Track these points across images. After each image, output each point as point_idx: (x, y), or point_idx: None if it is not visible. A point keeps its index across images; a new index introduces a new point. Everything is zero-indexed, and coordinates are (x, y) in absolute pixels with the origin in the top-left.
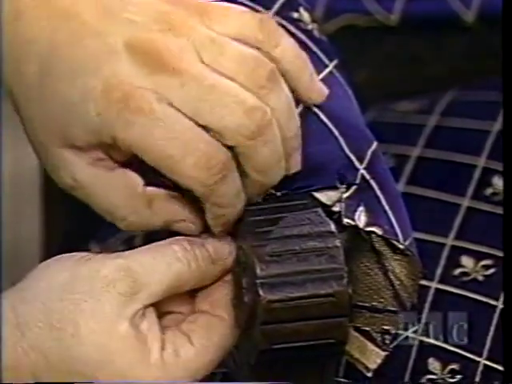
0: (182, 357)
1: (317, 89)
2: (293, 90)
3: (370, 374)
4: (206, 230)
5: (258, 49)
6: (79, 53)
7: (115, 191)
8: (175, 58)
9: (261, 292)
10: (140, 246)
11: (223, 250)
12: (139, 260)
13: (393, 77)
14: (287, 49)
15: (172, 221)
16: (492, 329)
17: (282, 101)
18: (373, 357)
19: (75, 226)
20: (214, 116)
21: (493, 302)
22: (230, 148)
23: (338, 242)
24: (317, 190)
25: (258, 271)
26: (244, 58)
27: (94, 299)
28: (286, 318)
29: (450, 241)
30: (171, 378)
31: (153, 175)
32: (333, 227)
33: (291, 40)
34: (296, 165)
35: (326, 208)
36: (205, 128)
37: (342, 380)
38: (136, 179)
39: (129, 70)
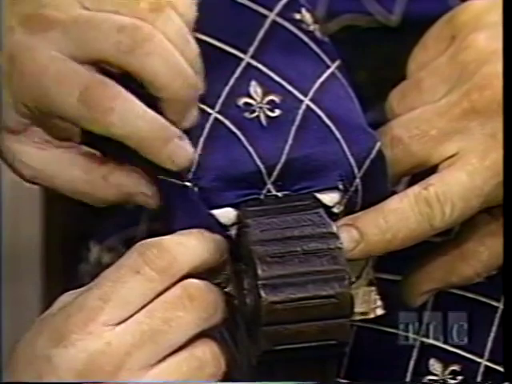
0: None
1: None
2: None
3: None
4: None
5: None
6: None
7: (70, 168)
8: (54, 12)
9: (262, 293)
10: None
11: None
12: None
13: (393, 77)
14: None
15: (129, 194)
16: (493, 330)
17: (170, 27)
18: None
19: (75, 225)
20: (93, 46)
21: (494, 303)
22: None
23: (339, 243)
24: (318, 191)
25: (260, 272)
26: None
27: None
28: (287, 319)
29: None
30: None
31: (107, 149)
32: (334, 228)
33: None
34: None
35: (328, 209)
36: (94, 64)
37: (343, 380)
38: (87, 154)
39: (22, 38)
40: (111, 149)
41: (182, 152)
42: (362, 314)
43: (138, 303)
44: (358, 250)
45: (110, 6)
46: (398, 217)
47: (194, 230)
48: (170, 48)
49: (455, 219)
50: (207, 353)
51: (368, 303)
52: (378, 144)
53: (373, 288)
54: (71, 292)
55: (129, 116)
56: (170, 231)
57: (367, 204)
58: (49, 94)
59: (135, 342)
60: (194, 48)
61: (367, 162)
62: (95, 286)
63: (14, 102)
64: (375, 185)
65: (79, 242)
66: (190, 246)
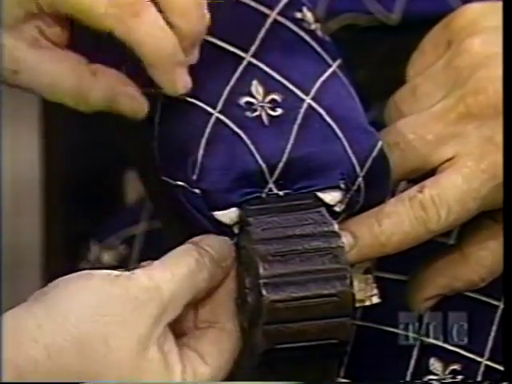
0: (198, 377)
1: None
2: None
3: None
4: (202, 232)
5: None
6: None
7: (60, 64)
8: None
9: (264, 292)
10: (140, 246)
11: (224, 251)
12: (164, 277)
13: (393, 76)
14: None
15: (117, 94)
16: (493, 329)
17: None
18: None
19: (75, 225)
20: None
21: (494, 302)
22: None
23: (341, 242)
24: (320, 190)
25: (261, 271)
26: None
27: (124, 321)
28: (288, 318)
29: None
30: None
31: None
32: (336, 227)
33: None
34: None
35: (330, 208)
36: None
37: (344, 380)
38: (76, 54)
39: None
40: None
41: (184, 80)
42: (359, 301)
43: None
44: (352, 254)
45: None
46: (392, 220)
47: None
48: None
49: (451, 222)
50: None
51: (364, 291)
52: (380, 143)
53: (369, 276)
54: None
55: (154, 26)
56: (170, 231)
57: (369, 203)
58: None
59: None
60: None
61: (369, 161)
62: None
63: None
64: (377, 184)
65: (79, 241)
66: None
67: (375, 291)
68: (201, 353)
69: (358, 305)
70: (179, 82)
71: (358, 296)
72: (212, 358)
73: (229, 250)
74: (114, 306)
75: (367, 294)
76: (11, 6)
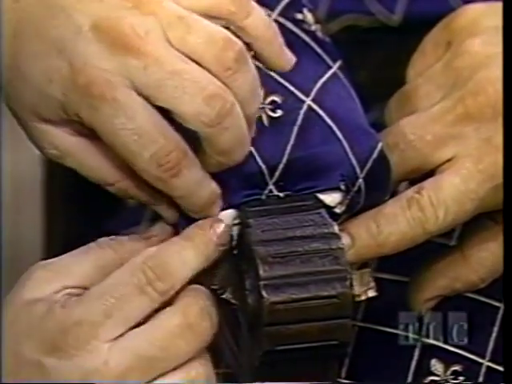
0: None
1: (285, 57)
2: (262, 59)
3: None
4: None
5: (229, 20)
6: (46, 33)
7: (101, 156)
8: (140, 40)
9: (264, 293)
10: None
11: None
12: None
13: (394, 77)
14: (258, 18)
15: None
16: (495, 330)
17: (248, 81)
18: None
19: (76, 225)
20: (174, 101)
21: (495, 303)
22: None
23: (341, 244)
24: (320, 192)
25: (261, 272)
26: (212, 38)
27: None
28: (289, 320)
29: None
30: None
31: None
32: (336, 229)
33: (261, 10)
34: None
35: (330, 209)
36: (167, 111)
37: (345, 381)
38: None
39: (94, 52)
40: None
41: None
42: (355, 296)
43: (137, 320)
44: (350, 255)
45: (195, 50)
46: (390, 221)
47: (192, 232)
48: (243, 122)
49: (449, 223)
50: (201, 374)
51: (360, 285)
52: (380, 144)
53: (366, 270)
54: (44, 263)
55: (191, 185)
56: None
57: (369, 204)
58: (119, 135)
59: (131, 364)
60: (259, 102)
61: (369, 162)
62: (96, 298)
63: (64, 102)
64: (378, 185)
65: (80, 241)
66: (188, 259)
67: (372, 285)
68: None
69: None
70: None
71: (355, 290)
72: None
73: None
74: None
75: (363, 288)
76: (53, 111)
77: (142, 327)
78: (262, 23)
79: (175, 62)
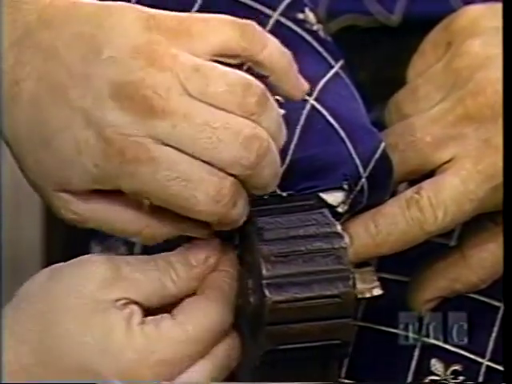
0: (162, 330)
1: (300, 87)
2: (277, 88)
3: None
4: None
5: (245, 57)
6: (64, 103)
7: (122, 210)
8: (163, 100)
9: (267, 293)
10: (141, 247)
11: (200, 254)
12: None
13: (394, 77)
14: (273, 50)
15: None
16: (495, 330)
17: (273, 119)
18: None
19: (76, 226)
20: (211, 151)
21: (495, 303)
22: None
23: (343, 243)
24: (323, 191)
25: (264, 272)
26: (231, 87)
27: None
28: (291, 319)
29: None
30: (152, 348)
31: None
32: (339, 228)
33: (275, 40)
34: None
35: (332, 209)
36: (207, 162)
37: (346, 381)
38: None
39: (119, 119)
40: None
41: None
42: (358, 293)
43: None
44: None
45: (217, 100)
46: (389, 221)
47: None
48: (277, 156)
49: (448, 223)
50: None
51: (363, 282)
52: (383, 144)
53: (369, 268)
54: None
55: (243, 207)
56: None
57: (371, 204)
58: (167, 187)
59: None
60: (284, 135)
61: (372, 162)
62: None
63: (97, 173)
64: (380, 184)
65: (80, 242)
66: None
67: (376, 283)
68: (173, 312)
69: (358, 297)
70: None
71: (358, 287)
72: (183, 315)
73: (206, 252)
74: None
75: (368, 286)
76: (84, 183)
77: None
78: (277, 55)
79: (201, 113)
